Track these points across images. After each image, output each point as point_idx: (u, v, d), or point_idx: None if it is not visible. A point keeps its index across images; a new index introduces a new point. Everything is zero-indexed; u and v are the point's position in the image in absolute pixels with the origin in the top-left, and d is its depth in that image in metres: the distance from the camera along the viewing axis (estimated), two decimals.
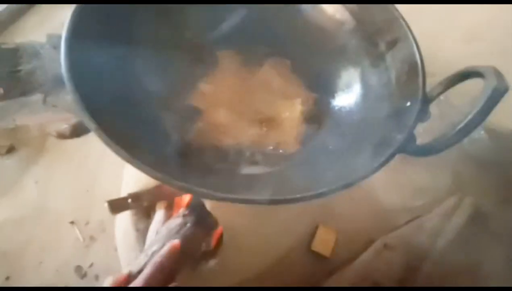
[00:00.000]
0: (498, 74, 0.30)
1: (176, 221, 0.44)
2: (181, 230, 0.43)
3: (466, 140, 0.74)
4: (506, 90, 0.29)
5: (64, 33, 0.37)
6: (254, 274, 0.54)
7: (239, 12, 0.48)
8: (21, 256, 0.58)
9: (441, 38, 0.72)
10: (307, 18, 0.48)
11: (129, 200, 0.46)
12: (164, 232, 0.42)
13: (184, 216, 0.44)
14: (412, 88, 0.39)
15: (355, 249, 0.59)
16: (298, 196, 0.32)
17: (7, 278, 0.55)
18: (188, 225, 0.43)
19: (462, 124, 0.30)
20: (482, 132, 0.72)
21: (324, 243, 0.59)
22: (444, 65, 0.73)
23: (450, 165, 0.69)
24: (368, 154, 0.38)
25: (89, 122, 0.31)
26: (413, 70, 0.40)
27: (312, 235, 0.60)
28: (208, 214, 0.46)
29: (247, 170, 0.43)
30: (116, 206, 0.46)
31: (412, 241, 0.58)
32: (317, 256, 0.58)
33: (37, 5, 0.91)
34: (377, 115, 0.42)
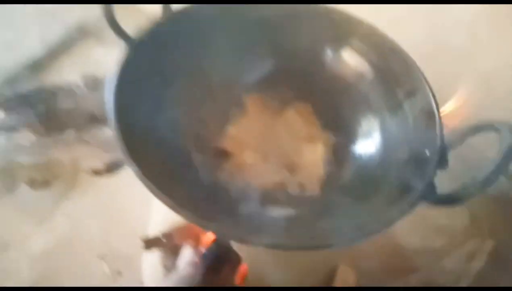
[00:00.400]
0: None
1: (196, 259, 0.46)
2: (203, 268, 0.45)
3: None
4: None
5: (113, 77, 0.40)
6: None
7: (266, 62, 0.52)
8: (52, 285, 0.60)
9: (461, 78, 0.75)
10: (330, 68, 0.51)
11: (163, 239, 0.48)
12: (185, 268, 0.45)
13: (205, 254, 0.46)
14: (430, 136, 0.42)
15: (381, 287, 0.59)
16: (320, 243, 0.34)
17: None
18: (208, 263, 0.45)
19: (483, 177, 0.32)
20: None
21: (344, 283, 0.60)
22: (461, 108, 0.75)
23: (468, 206, 0.70)
24: (387, 200, 0.40)
25: (133, 167, 0.34)
26: (431, 119, 0.42)
27: (333, 274, 0.61)
28: (231, 250, 0.48)
29: (271, 211, 0.46)
30: (150, 244, 0.48)
31: (433, 283, 0.59)
32: None
33: (72, 47, 0.98)
34: (396, 161, 0.44)
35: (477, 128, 0.37)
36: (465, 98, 0.71)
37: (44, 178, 0.72)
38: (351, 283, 0.59)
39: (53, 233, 0.65)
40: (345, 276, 0.60)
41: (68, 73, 0.91)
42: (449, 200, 0.35)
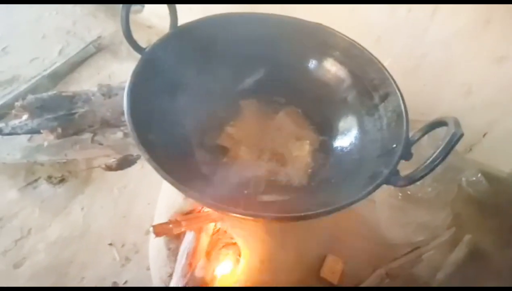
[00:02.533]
0: (457, 123, 0.39)
1: None
2: None
3: (464, 182, 0.81)
4: (461, 136, 0.37)
5: (128, 83, 0.47)
6: None
7: (259, 71, 0.60)
8: (66, 271, 0.67)
9: (442, 91, 0.82)
10: (314, 75, 0.58)
11: (170, 225, 0.55)
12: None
13: None
14: (398, 133, 0.48)
15: (360, 277, 0.65)
16: (302, 214, 0.41)
17: (53, 284, 0.64)
18: None
19: (428, 161, 0.39)
20: (480, 175, 0.79)
21: (332, 271, 0.66)
22: (444, 113, 0.82)
23: (450, 205, 0.76)
24: (361, 185, 0.47)
25: (148, 159, 0.41)
26: (400, 118, 0.49)
27: (321, 264, 0.66)
28: None
29: (263, 197, 0.52)
30: (159, 230, 0.55)
31: (412, 271, 0.64)
32: (325, 282, 0.64)
33: (89, 59, 1.07)
34: (370, 154, 0.51)
35: (433, 125, 0.43)
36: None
37: (61, 175, 0.80)
38: (338, 270, 0.65)
39: (68, 223, 0.72)
40: (333, 265, 0.66)
41: (85, 83, 1.00)
42: (407, 181, 0.41)
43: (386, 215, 0.73)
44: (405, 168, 0.44)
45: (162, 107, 0.52)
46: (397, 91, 0.51)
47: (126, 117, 0.45)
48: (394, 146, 0.47)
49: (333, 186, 0.52)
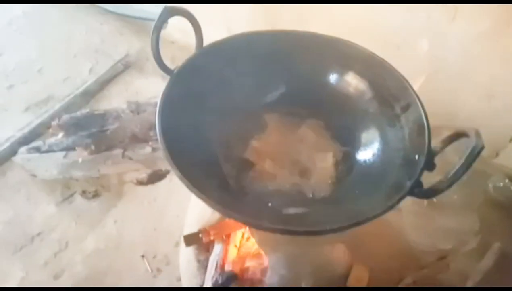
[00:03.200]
0: (478, 135, 0.39)
1: None
2: None
3: (491, 188, 0.80)
4: (482, 148, 0.38)
5: (159, 104, 0.50)
6: None
7: (281, 85, 0.62)
8: (101, 281, 0.70)
9: (464, 96, 0.81)
10: (335, 88, 0.60)
11: (200, 235, 0.58)
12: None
13: None
14: (420, 144, 0.49)
15: (386, 286, 0.65)
16: (327, 227, 0.42)
17: None
18: None
19: (450, 174, 0.39)
20: (507, 180, 0.78)
21: (358, 280, 0.66)
22: (466, 119, 0.81)
23: (476, 211, 0.75)
24: (384, 194, 0.48)
25: (180, 176, 0.43)
26: (421, 129, 0.50)
27: (348, 273, 0.67)
28: None
29: (288, 210, 0.54)
30: (190, 240, 0.57)
31: (440, 280, 0.64)
32: None
33: (117, 77, 1.12)
34: (393, 164, 0.52)
35: (454, 136, 0.44)
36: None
37: (95, 189, 0.84)
38: (364, 280, 0.65)
39: (103, 235, 0.76)
40: (359, 274, 0.66)
41: (115, 100, 1.05)
42: (430, 193, 0.42)
43: (411, 222, 0.73)
44: (429, 176, 0.45)
45: (191, 125, 0.55)
46: (418, 102, 0.52)
47: (159, 139, 0.48)
48: (417, 157, 0.48)
49: (357, 197, 0.53)
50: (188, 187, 0.43)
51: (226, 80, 0.60)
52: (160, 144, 0.47)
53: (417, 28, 0.77)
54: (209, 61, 0.58)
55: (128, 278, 0.70)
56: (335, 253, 0.67)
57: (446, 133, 0.48)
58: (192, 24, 0.56)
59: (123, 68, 1.13)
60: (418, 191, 0.44)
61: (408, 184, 0.45)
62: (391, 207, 0.43)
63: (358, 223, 0.42)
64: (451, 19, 0.74)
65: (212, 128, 0.57)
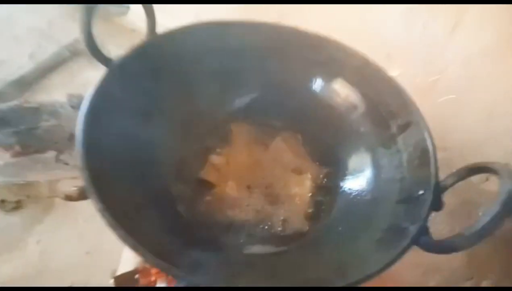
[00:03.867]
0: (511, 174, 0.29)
1: None
2: None
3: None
4: None
5: (85, 105, 0.37)
6: None
7: (252, 89, 0.50)
8: None
9: (460, 112, 0.73)
10: (319, 97, 0.49)
11: (137, 275, 0.45)
12: None
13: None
14: (424, 174, 0.39)
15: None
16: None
17: None
18: None
19: (479, 226, 0.29)
20: None
21: None
22: (461, 140, 0.72)
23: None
24: (375, 238, 0.37)
25: (101, 209, 0.31)
26: (425, 156, 0.40)
27: None
28: None
29: (251, 248, 0.42)
30: (122, 281, 0.44)
31: None
32: None
33: (62, 65, 0.96)
34: (387, 198, 0.41)
35: (476, 170, 0.34)
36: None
37: (17, 200, 0.68)
38: None
39: (22, 260, 0.61)
40: None
41: (57, 91, 0.88)
42: (443, 248, 0.31)
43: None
44: None
45: (130, 133, 0.42)
46: (420, 121, 0.42)
47: (77, 147, 0.35)
48: (421, 192, 0.37)
49: (341, 236, 0.41)
50: (112, 227, 0.31)
51: (183, 78, 0.47)
52: (77, 156, 0.34)
53: (412, 38, 0.67)
54: (162, 53, 0.45)
55: None
56: None
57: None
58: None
59: (70, 55, 0.97)
60: (425, 241, 0.33)
61: (412, 229, 0.34)
62: (392, 262, 0.32)
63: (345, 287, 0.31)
64: (450, 30, 0.65)
65: (160, 138, 0.45)
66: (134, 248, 0.29)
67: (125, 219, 0.31)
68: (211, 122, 0.51)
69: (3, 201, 0.67)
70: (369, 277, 0.31)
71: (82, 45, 0.99)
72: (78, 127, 0.36)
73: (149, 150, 0.43)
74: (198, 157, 0.49)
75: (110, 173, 0.36)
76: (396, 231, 0.36)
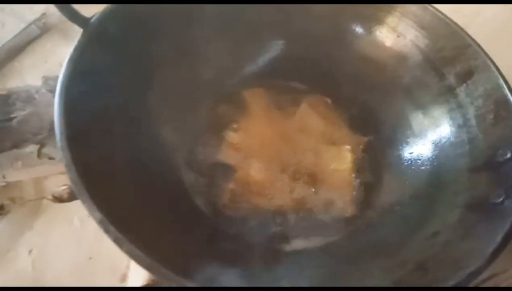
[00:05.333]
0: None
1: None
2: None
3: None
4: None
5: (60, 79, 0.28)
6: None
7: (271, 46, 0.40)
8: None
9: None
10: (358, 51, 0.39)
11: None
12: None
13: None
14: (504, 131, 0.31)
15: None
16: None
17: None
18: None
19: None
20: None
21: None
22: None
23: None
24: (457, 222, 0.29)
25: (100, 220, 0.22)
26: (502, 108, 0.31)
27: None
28: None
29: (292, 244, 0.34)
30: None
31: None
32: None
33: (33, 43, 0.84)
34: (455, 166, 0.33)
35: None
36: None
37: (0, 205, 0.59)
38: None
39: (12, 270, 0.52)
40: None
41: (29, 74, 0.77)
42: None
43: None
44: None
45: (122, 113, 0.32)
46: (490, 65, 0.33)
47: (57, 138, 0.26)
48: (509, 155, 0.29)
49: (401, 219, 0.33)
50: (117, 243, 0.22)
51: (183, 36, 0.37)
52: (57, 143, 0.25)
53: None
54: (155, 8, 0.35)
55: None
56: None
57: None
58: None
59: (40, 32, 0.84)
60: None
61: (509, 204, 0.26)
62: (497, 251, 0.24)
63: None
64: None
65: (162, 118, 0.35)
66: (150, 269, 0.21)
67: (131, 228, 0.22)
68: (220, 93, 0.41)
69: None
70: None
71: (52, 19, 0.85)
72: (56, 112, 0.26)
73: (149, 133, 0.34)
74: (211, 137, 0.40)
75: (104, 167, 0.27)
76: (482, 208, 0.28)
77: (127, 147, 0.30)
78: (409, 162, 0.37)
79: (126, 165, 0.30)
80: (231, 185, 0.37)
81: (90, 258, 0.54)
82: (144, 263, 0.21)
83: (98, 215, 0.22)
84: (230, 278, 0.25)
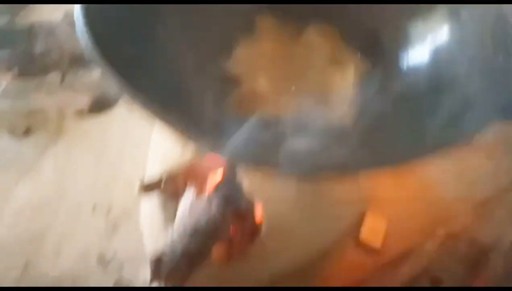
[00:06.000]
0: None
1: (201, 203, 0.38)
2: (207, 212, 0.37)
3: None
4: None
5: None
6: (295, 268, 0.47)
7: None
8: (40, 243, 0.53)
9: None
10: None
11: (163, 182, 0.40)
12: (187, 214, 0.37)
13: (209, 198, 0.38)
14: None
15: (409, 240, 0.51)
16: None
17: (26, 266, 0.51)
18: (214, 207, 0.37)
19: None
20: None
21: (373, 232, 0.52)
22: None
23: None
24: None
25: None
26: None
27: (360, 224, 0.53)
28: (241, 192, 0.40)
29: (293, 144, 0.37)
30: (148, 189, 0.40)
31: (477, 231, 0.51)
32: (367, 248, 0.51)
33: None
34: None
35: None
36: None
37: (26, 126, 0.63)
38: (380, 230, 0.51)
39: (39, 185, 0.58)
40: (375, 224, 0.52)
41: (52, 11, 0.80)
42: None
43: (437, 165, 0.57)
44: None
45: (142, 23, 0.35)
46: None
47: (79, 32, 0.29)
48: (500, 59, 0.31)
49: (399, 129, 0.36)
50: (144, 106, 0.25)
51: None
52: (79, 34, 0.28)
53: None
54: None
55: (74, 237, 0.53)
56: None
57: None
58: None
59: None
60: None
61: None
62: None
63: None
64: None
65: (174, 26, 0.38)
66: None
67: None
68: (233, 16, 0.43)
69: (12, 127, 0.63)
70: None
71: None
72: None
73: (165, 39, 0.36)
74: (221, 52, 0.42)
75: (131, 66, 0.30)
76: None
77: (144, 51, 0.33)
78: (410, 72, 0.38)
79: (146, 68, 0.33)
80: (236, 93, 0.39)
81: (109, 175, 0.59)
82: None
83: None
84: None
